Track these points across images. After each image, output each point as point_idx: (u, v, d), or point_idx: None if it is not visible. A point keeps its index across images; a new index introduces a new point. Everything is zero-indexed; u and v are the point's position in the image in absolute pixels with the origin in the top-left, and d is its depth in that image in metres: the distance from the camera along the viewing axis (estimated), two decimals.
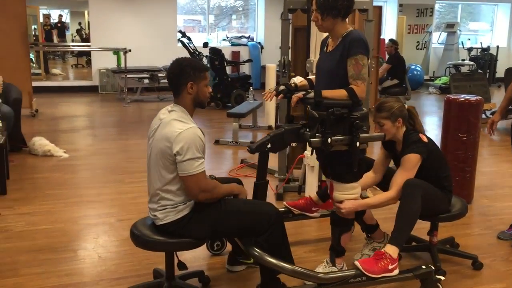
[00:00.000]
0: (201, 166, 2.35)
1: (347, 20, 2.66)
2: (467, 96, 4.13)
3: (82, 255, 3.13)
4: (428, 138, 2.87)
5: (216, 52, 8.74)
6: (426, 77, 12.09)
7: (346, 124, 2.55)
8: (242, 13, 14.19)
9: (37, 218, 3.70)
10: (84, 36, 15.78)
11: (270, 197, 3.09)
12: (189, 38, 9.06)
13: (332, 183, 2.78)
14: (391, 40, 9.23)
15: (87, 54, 14.28)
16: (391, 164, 3.08)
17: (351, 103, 2.54)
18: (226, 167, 5.17)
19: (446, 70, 12.16)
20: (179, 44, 9.78)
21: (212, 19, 13.35)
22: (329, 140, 2.50)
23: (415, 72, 11.43)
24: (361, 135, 2.55)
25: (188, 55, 9.19)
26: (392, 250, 2.63)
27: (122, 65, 9.56)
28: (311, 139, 2.54)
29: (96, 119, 7.82)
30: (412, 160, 2.75)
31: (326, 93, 2.56)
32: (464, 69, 11.65)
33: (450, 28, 12.78)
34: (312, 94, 2.58)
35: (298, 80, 2.88)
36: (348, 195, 2.70)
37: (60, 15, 15.82)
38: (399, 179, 2.74)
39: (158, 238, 2.43)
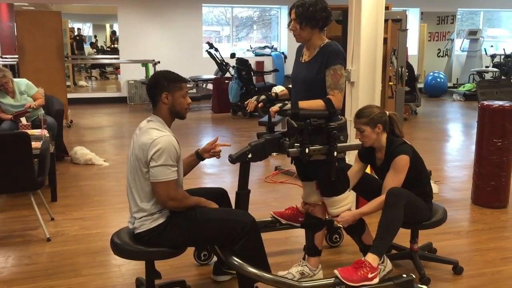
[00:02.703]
0: (172, 174, 2.39)
1: (324, 32, 2.72)
2: (501, 102, 4.22)
3: None
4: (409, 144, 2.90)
5: (243, 63, 8.93)
6: (449, 84, 12.12)
7: (323, 134, 2.60)
8: (262, 24, 14.42)
9: (88, 222, 3.89)
10: (99, 48, 16.20)
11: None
12: (216, 49, 9.27)
13: (323, 201, 2.83)
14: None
15: (101, 66, 14.74)
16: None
17: (327, 113, 2.60)
18: (261, 175, 5.31)
19: (470, 77, 12.18)
20: (205, 55, 10.01)
21: (231, 29, 13.60)
22: (307, 150, 2.56)
23: (438, 80, 11.49)
24: (338, 145, 2.61)
25: (216, 66, 9.42)
26: (372, 258, 2.63)
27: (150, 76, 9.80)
28: (289, 149, 2.59)
29: (127, 129, 8.04)
30: (401, 162, 2.77)
31: (303, 104, 2.61)
32: (487, 76, 11.67)
33: (473, 35, 12.81)
34: (289, 106, 2.61)
35: (279, 89, 2.93)
36: (342, 208, 2.76)
37: (79, 29, 16.23)
38: (392, 182, 2.77)
39: (134, 247, 2.45)
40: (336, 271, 2.61)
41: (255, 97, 2.85)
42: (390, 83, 4.68)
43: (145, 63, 10.13)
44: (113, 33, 16.87)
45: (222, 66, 9.30)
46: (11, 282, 2.96)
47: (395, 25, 4.50)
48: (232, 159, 2.67)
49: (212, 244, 2.69)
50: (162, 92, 2.47)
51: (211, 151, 2.83)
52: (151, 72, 9.66)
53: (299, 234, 3.49)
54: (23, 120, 4.94)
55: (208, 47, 9.39)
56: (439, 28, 12.99)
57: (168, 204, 2.42)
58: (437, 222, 2.98)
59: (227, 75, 9.64)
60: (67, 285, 2.92)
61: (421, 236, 3.42)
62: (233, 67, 9.13)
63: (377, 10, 3.88)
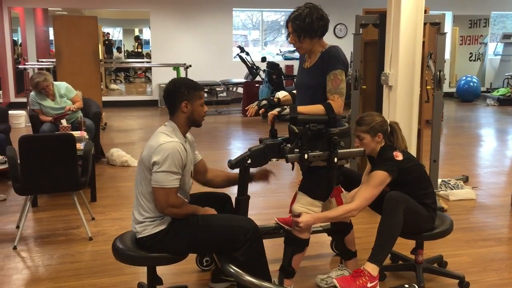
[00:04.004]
0: (175, 182, 2.36)
1: (323, 38, 2.66)
2: None
3: None
4: (406, 155, 2.77)
5: (274, 66, 8.97)
6: (482, 89, 11.91)
7: (324, 140, 2.53)
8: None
9: (128, 223, 3.95)
10: (128, 52, 16.49)
11: None
12: (247, 53, 9.34)
13: (296, 194, 2.72)
14: None
15: (126, 70, 15.03)
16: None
17: (327, 118, 2.53)
18: (294, 178, 5.31)
19: (504, 82, 11.93)
20: (235, 59, 10.06)
21: (258, 34, 13.67)
22: (306, 155, 2.49)
23: (471, 84, 11.29)
24: (339, 151, 2.53)
25: (246, 69, 9.47)
26: (371, 267, 2.56)
27: None
28: (288, 155, 2.53)
29: None
30: (379, 177, 2.66)
31: (302, 109, 2.55)
32: None
33: (507, 38, 12.55)
34: (287, 111, 2.55)
35: (281, 94, 2.86)
36: (308, 210, 2.63)
37: (108, 33, 16.53)
38: (363, 193, 2.66)
39: (135, 252, 2.42)
40: (334, 281, 2.56)
41: (256, 102, 2.80)
42: (428, 87, 4.63)
43: (176, 67, 10.26)
44: (136, 38, 17.17)
45: (252, 69, 9.36)
46: (57, 279, 3.05)
47: (432, 28, 4.44)
48: (232, 165, 2.61)
49: (215, 251, 2.64)
50: (183, 100, 2.45)
51: (263, 177, 2.82)
52: (182, 75, 9.78)
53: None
54: (64, 122, 5.07)
55: (239, 51, 9.46)
56: (471, 31, 12.77)
57: (166, 210, 2.39)
58: (441, 233, 2.82)
59: (258, 78, 9.69)
60: (111, 283, 2.99)
61: (457, 241, 3.41)
62: (264, 70, 9.17)
63: (416, 13, 3.86)
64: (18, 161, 3.50)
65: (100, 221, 3.98)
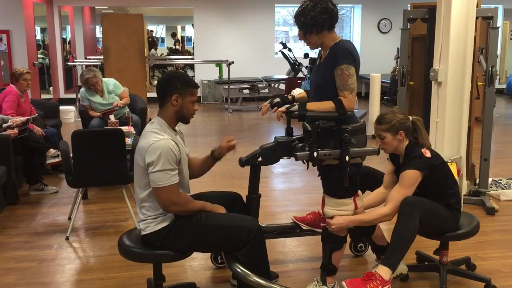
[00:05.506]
0: (173, 178, 2.35)
1: (335, 30, 2.57)
2: None
3: None
4: (432, 152, 2.70)
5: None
6: None
7: (335, 138, 2.46)
8: None
9: None
10: (171, 49, 16.75)
11: None
12: (289, 49, 9.31)
13: (324, 197, 2.67)
14: None
15: (163, 67, 15.28)
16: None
17: (336, 115, 2.44)
18: None
19: None
20: (277, 55, 10.02)
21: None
22: (315, 153, 2.43)
23: None
24: (351, 149, 2.44)
25: (288, 66, 9.45)
26: (383, 271, 2.48)
27: (223, 76, 10.03)
28: (297, 153, 2.48)
29: (201, 127, 8.25)
30: (411, 177, 2.59)
31: (312, 105, 2.48)
32: None
33: None
34: (296, 107, 2.49)
35: (297, 92, 2.79)
36: (340, 211, 2.58)
37: (151, 31, 16.81)
38: (396, 195, 2.58)
39: (139, 249, 2.44)
40: (343, 283, 2.49)
41: (269, 100, 2.75)
42: (479, 83, 4.49)
43: (219, 63, 10.35)
44: (173, 35, 17.40)
45: (295, 66, 9.32)
46: (108, 270, 3.16)
47: (483, 22, 4.29)
48: (242, 162, 2.59)
49: (217, 250, 2.60)
50: (174, 93, 2.43)
51: (228, 147, 2.76)
52: (225, 72, 9.86)
53: None
54: (112, 117, 5.21)
55: (282, 47, 9.45)
56: None
57: (170, 208, 2.40)
58: (465, 234, 2.73)
59: (300, 75, 9.65)
60: None
61: (510, 243, 3.28)
62: (306, 67, 9.11)
63: (468, 6, 3.75)
64: (71, 155, 3.64)
65: None
